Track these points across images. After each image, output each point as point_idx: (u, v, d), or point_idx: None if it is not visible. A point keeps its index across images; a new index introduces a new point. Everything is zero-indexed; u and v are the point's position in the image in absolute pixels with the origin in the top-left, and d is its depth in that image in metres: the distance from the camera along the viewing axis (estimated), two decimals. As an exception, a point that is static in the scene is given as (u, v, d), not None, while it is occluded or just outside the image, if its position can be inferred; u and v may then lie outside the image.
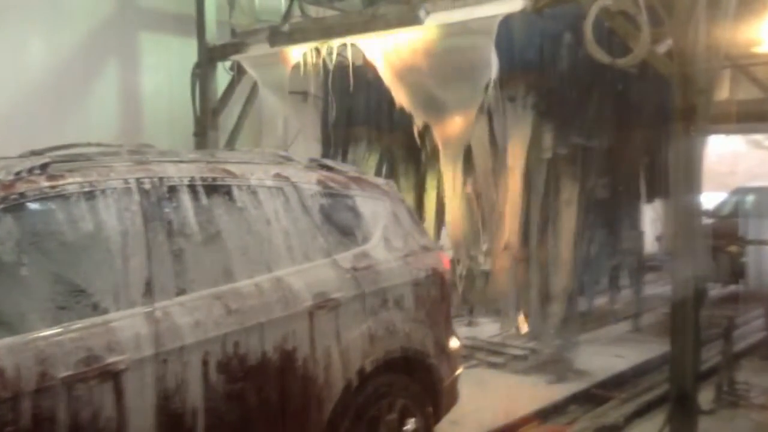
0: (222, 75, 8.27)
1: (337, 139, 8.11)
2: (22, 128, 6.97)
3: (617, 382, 6.35)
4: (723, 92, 7.45)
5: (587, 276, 6.66)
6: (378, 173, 7.57)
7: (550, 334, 6.78)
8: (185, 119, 8.26)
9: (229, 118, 8.44)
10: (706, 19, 4.69)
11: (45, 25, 7.68)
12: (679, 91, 4.78)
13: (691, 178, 4.93)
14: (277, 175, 3.72)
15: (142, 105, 8.56)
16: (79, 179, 3.00)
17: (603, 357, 7.10)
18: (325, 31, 6.92)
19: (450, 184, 6.79)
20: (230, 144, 8.30)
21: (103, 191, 3.04)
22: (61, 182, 2.95)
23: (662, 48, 5.07)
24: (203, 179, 3.40)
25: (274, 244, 3.54)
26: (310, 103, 8.11)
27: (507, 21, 5.74)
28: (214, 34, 8.16)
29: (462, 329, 7.81)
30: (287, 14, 7.94)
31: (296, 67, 7.23)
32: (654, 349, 6.92)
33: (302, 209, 3.72)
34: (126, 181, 3.13)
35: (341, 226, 3.91)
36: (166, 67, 8.64)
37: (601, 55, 5.05)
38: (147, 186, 3.17)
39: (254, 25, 8.24)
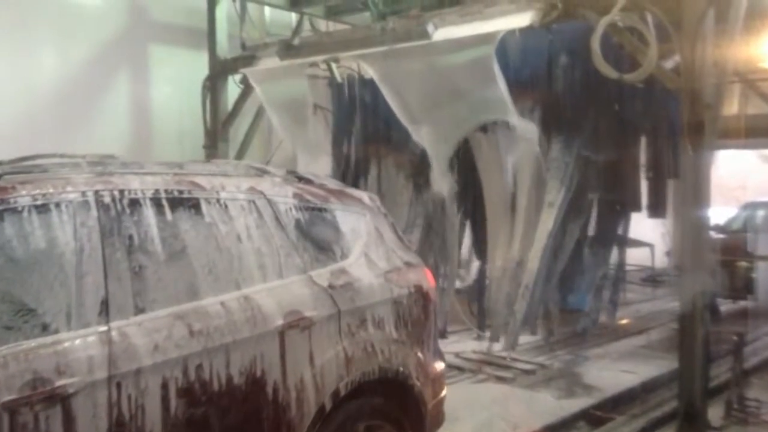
0: (232, 88, 8.34)
1: (354, 155, 8.04)
2: (33, 139, 7.03)
3: (626, 398, 6.30)
4: (732, 107, 7.45)
5: (576, 286, 6.65)
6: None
7: (511, 333, 6.72)
8: (195, 131, 8.32)
9: (239, 130, 8.50)
10: (713, 34, 4.70)
11: (58, 37, 7.78)
12: (686, 106, 4.79)
13: (700, 192, 4.93)
14: (251, 189, 3.56)
15: (153, 117, 8.63)
16: (31, 191, 2.82)
17: (612, 372, 7.05)
18: (335, 45, 6.97)
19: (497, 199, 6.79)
20: (240, 156, 8.35)
21: (57, 204, 2.87)
22: (11, 194, 2.78)
23: (670, 63, 5.08)
24: (168, 192, 3.22)
25: (244, 261, 3.36)
26: (319, 116, 8.13)
27: (513, 36, 5.78)
28: (224, 48, 8.24)
29: (470, 343, 7.79)
30: (297, 28, 8.01)
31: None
32: (664, 364, 6.86)
33: (276, 224, 3.56)
34: (83, 194, 2.95)
35: (318, 241, 3.72)
36: (176, 79, 8.71)
37: (608, 70, 5.07)
38: (106, 199, 3.00)
39: (264, 39, 8.32)
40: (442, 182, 6.77)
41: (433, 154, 6.71)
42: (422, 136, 6.60)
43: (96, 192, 3.00)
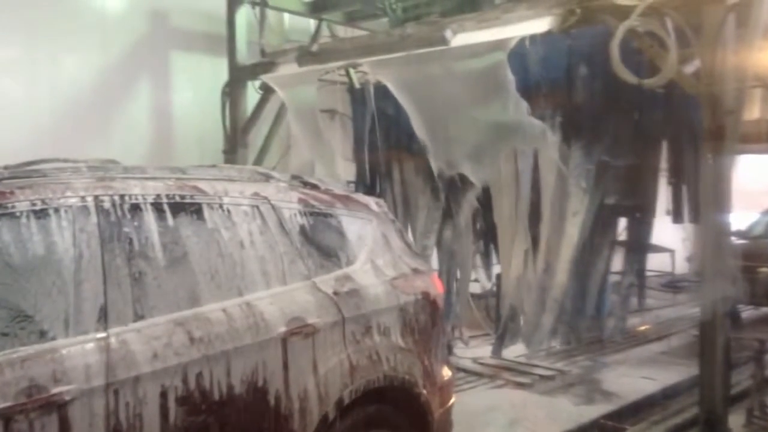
0: (251, 94, 8.39)
1: (376, 160, 7.96)
2: (55, 144, 7.12)
3: (646, 405, 6.26)
4: (753, 112, 7.39)
5: (599, 295, 6.60)
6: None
7: (539, 342, 6.70)
8: (215, 137, 8.38)
9: (258, 136, 8.55)
10: (734, 39, 4.67)
11: (79, 44, 7.86)
12: (707, 111, 4.76)
13: (720, 198, 4.89)
14: (255, 194, 3.51)
15: (173, 122, 8.71)
16: (30, 196, 2.79)
17: (631, 378, 7.01)
18: (354, 51, 6.99)
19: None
20: (259, 161, 8.40)
21: (56, 209, 2.83)
22: (9, 200, 2.74)
23: (690, 68, 5.05)
24: (170, 197, 3.18)
25: (246, 267, 3.31)
26: (337, 121, 8.16)
27: (532, 42, 5.76)
28: (244, 54, 8.28)
29: (489, 348, 7.77)
30: (316, 34, 8.03)
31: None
32: (684, 371, 6.81)
33: (280, 230, 3.51)
34: (83, 199, 2.92)
35: (323, 247, 3.68)
36: (196, 85, 8.78)
37: (627, 75, 5.05)
38: (106, 204, 2.97)
39: (283, 45, 8.36)
40: (468, 211, 6.80)
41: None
42: (475, 176, 6.60)
43: (96, 197, 2.96)
